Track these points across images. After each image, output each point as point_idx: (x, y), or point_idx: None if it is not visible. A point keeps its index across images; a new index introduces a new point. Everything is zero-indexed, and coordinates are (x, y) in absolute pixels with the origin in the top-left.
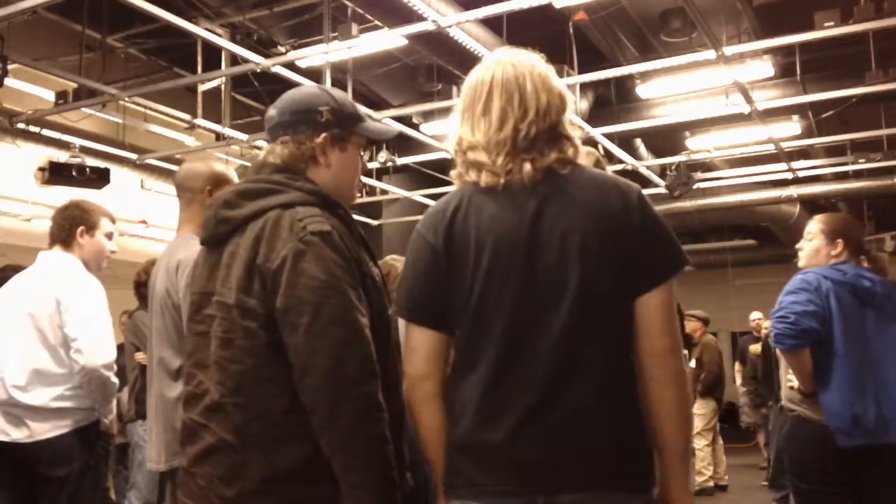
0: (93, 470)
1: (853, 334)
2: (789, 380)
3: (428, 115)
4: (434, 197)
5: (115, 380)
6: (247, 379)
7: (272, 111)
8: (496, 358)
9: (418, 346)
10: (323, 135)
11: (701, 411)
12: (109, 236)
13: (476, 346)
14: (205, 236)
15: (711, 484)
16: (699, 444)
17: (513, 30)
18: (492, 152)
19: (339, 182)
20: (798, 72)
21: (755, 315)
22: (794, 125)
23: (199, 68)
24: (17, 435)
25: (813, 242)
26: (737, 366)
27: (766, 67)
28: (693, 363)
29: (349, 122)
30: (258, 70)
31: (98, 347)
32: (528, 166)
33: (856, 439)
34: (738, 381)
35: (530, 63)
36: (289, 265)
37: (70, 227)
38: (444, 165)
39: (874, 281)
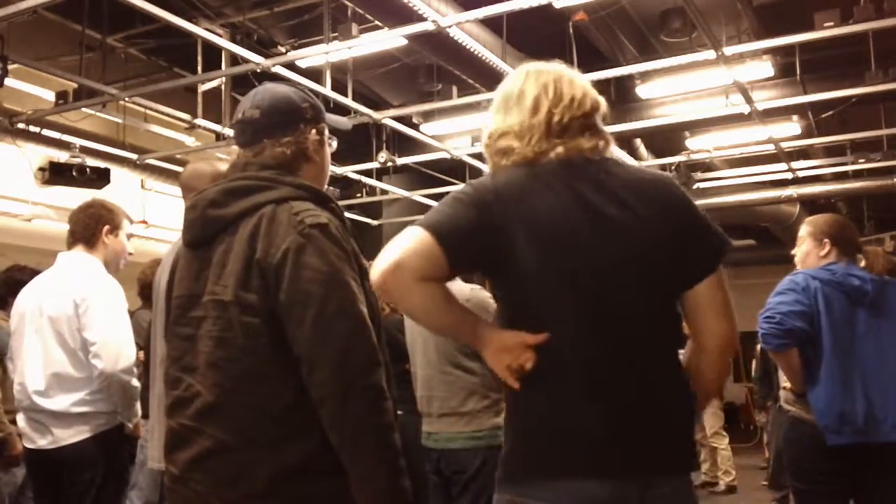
0: (117, 475)
1: (841, 333)
2: (785, 380)
3: (428, 115)
4: (434, 197)
5: (136, 383)
6: (247, 377)
7: (253, 112)
8: (570, 336)
9: (420, 249)
10: (313, 131)
11: (714, 410)
12: (129, 237)
13: (544, 321)
14: (190, 238)
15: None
16: (722, 443)
17: (513, 30)
18: (524, 137)
19: (323, 175)
20: (798, 72)
21: None
22: (793, 125)
23: (200, 68)
24: (42, 442)
25: (803, 246)
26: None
27: (766, 67)
28: None
29: (322, 116)
30: (258, 70)
31: (117, 352)
32: (559, 149)
33: (844, 437)
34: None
35: (561, 69)
36: (291, 259)
37: (96, 225)
38: (445, 166)
39: (865, 279)
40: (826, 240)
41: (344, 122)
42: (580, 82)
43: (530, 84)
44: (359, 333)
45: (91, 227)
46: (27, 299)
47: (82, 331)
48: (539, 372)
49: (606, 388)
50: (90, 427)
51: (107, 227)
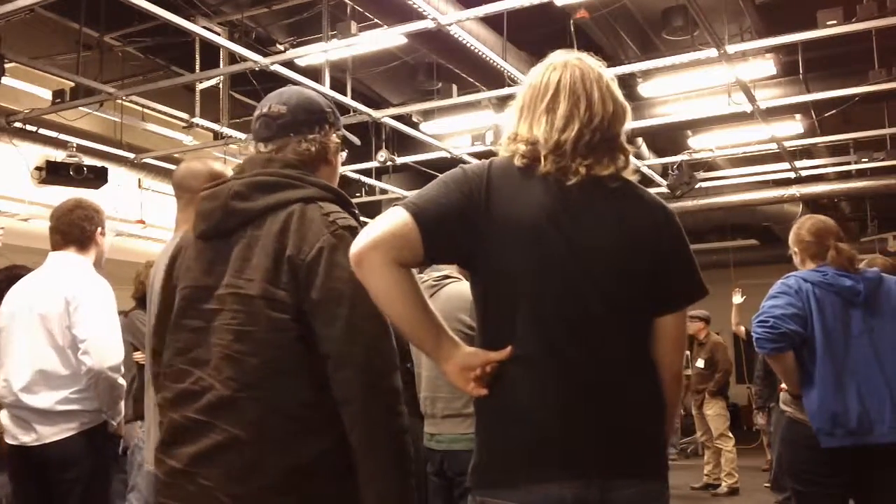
0: (102, 473)
1: (834, 334)
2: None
3: (428, 114)
4: None
5: (122, 381)
6: (267, 372)
7: (280, 108)
8: (540, 342)
9: (400, 232)
10: (334, 135)
11: (719, 412)
12: (111, 234)
13: (513, 323)
14: (205, 228)
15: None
16: (727, 445)
17: (514, 28)
18: (546, 149)
19: (335, 179)
20: (801, 70)
21: None
22: (796, 124)
23: (198, 67)
24: (25, 438)
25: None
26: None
27: (769, 66)
28: (701, 363)
29: (340, 123)
30: (256, 68)
31: (106, 349)
32: (582, 168)
33: (837, 439)
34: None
35: (597, 70)
36: (325, 257)
37: (91, 226)
38: (444, 165)
39: (857, 279)
40: (795, 248)
41: (355, 140)
42: (614, 93)
43: (563, 93)
44: (384, 336)
45: (87, 228)
46: (17, 298)
47: (72, 328)
48: (504, 381)
49: (570, 392)
50: (74, 425)
51: (100, 229)
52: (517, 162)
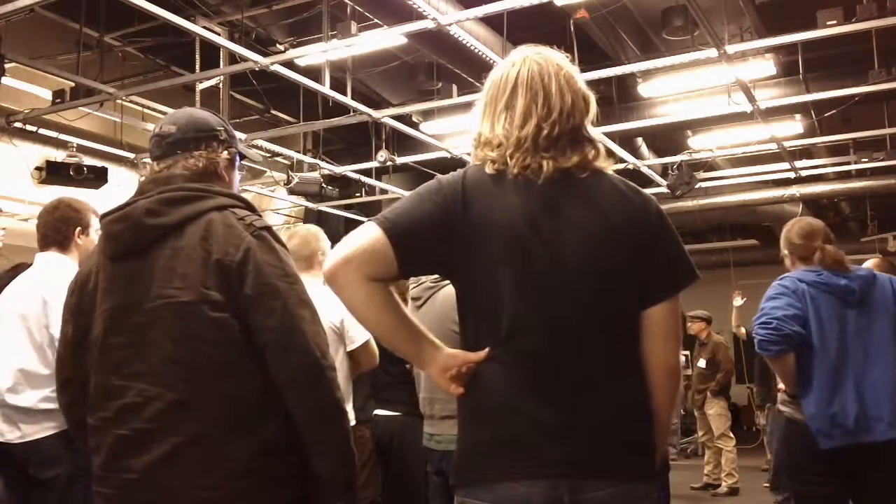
0: (83, 476)
1: (831, 334)
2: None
3: (428, 114)
4: None
5: None
6: (219, 368)
7: (169, 128)
8: (516, 344)
9: (372, 249)
10: (225, 153)
11: (720, 411)
12: (97, 233)
13: (491, 326)
14: (117, 249)
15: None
16: (728, 445)
17: (513, 28)
18: (510, 148)
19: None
20: (801, 70)
21: None
22: (796, 124)
23: (198, 67)
24: (10, 436)
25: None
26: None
27: (769, 66)
28: (703, 363)
29: (235, 142)
30: (257, 69)
31: None
32: (547, 164)
33: (836, 440)
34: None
35: (556, 62)
36: (252, 257)
37: (66, 228)
38: (444, 165)
39: (851, 277)
40: (785, 252)
41: (252, 154)
42: (574, 84)
43: (521, 89)
44: (316, 321)
45: (62, 230)
46: (2, 299)
47: (49, 327)
48: (479, 381)
49: (548, 391)
50: (55, 424)
51: (78, 229)
52: (488, 169)
